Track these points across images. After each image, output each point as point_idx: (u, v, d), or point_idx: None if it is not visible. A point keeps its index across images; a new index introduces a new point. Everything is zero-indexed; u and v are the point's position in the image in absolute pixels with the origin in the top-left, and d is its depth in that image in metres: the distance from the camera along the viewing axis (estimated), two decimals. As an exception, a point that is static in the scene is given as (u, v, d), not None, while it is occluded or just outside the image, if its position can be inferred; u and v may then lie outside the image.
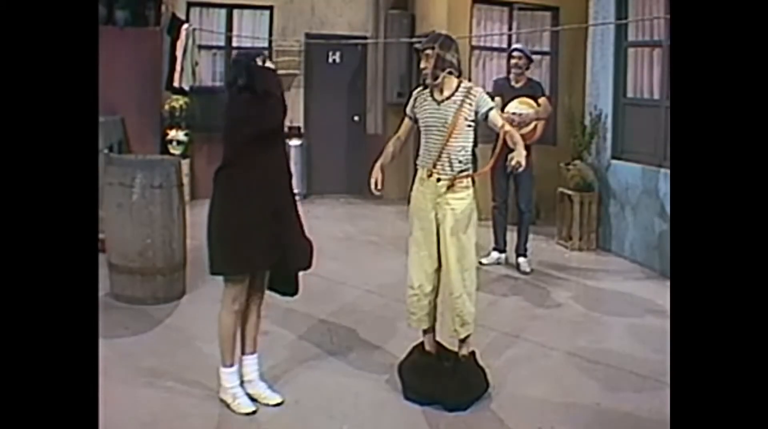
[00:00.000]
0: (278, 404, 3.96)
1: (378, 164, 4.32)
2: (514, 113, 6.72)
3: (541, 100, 6.92)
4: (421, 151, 4.18)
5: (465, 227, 4.07)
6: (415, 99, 4.23)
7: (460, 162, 4.06)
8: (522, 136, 6.67)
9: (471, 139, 4.12)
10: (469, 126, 4.07)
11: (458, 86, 4.10)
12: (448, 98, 4.07)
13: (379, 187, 4.25)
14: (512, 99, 6.91)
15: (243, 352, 4.05)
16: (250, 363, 4.04)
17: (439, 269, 4.14)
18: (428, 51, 4.08)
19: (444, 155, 4.04)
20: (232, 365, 3.97)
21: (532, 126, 6.77)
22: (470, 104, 4.05)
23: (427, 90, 4.17)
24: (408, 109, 4.28)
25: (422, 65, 4.12)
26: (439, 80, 4.08)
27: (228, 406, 3.91)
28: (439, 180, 4.05)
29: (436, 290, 4.18)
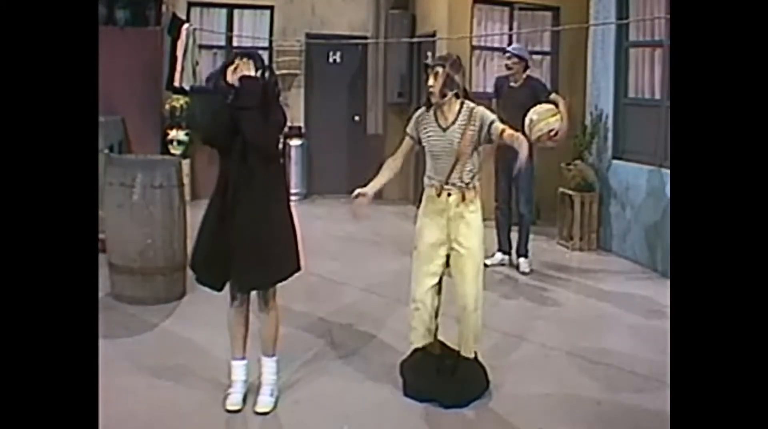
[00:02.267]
0: (260, 413, 3.88)
1: (369, 189, 4.18)
2: (550, 131, 6.52)
3: (554, 98, 6.80)
4: (428, 172, 4.20)
5: (478, 243, 4.12)
6: (418, 121, 4.20)
7: (468, 181, 4.09)
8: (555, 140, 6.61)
9: (477, 157, 4.13)
10: (475, 146, 4.09)
11: (461, 108, 4.10)
12: (453, 123, 4.08)
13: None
14: (512, 99, 6.84)
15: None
16: (263, 364, 4.01)
17: (440, 284, 4.16)
18: (438, 69, 4.06)
19: (453, 175, 4.08)
20: (236, 359, 3.98)
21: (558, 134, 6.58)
22: (473, 126, 4.06)
23: (431, 113, 4.15)
24: (409, 130, 4.25)
25: (430, 83, 4.07)
26: (446, 100, 4.07)
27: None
28: (449, 195, 4.08)
29: (437, 307, 4.20)
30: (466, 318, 4.11)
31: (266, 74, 3.77)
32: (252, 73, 3.71)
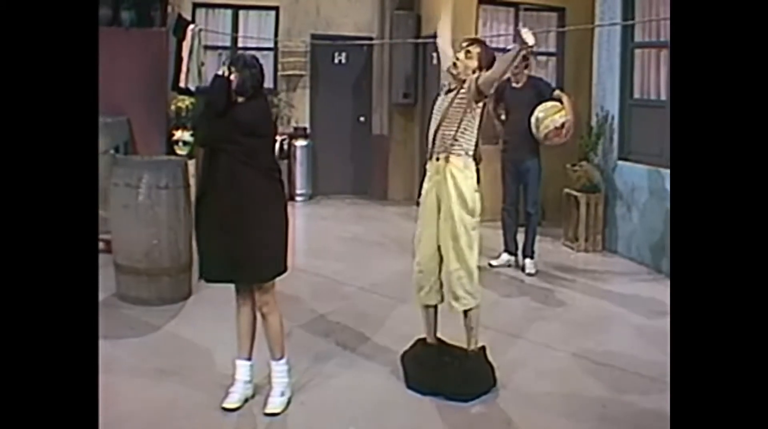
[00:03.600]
0: (269, 414, 3.88)
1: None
2: (556, 128, 6.58)
3: (558, 95, 6.80)
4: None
5: (460, 207, 4.12)
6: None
7: (453, 144, 4.15)
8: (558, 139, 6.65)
9: (465, 125, 4.16)
10: (460, 110, 4.15)
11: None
12: (450, 90, 4.24)
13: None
14: (516, 100, 6.88)
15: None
16: (272, 369, 4.00)
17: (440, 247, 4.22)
18: (471, 48, 4.22)
19: (437, 139, 4.20)
20: (241, 358, 3.99)
21: (565, 128, 6.65)
22: (464, 90, 4.16)
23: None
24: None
25: (471, 64, 4.16)
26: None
27: None
28: (437, 159, 4.18)
29: (440, 268, 4.24)
30: (447, 277, 4.19)
31: (233, 70, 3.81)
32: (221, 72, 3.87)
